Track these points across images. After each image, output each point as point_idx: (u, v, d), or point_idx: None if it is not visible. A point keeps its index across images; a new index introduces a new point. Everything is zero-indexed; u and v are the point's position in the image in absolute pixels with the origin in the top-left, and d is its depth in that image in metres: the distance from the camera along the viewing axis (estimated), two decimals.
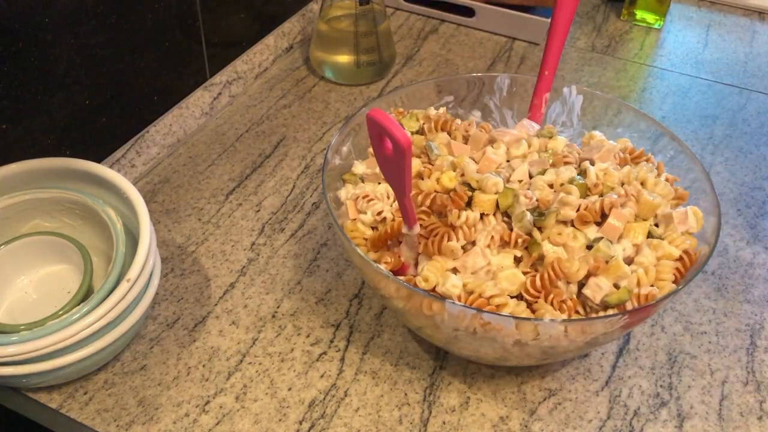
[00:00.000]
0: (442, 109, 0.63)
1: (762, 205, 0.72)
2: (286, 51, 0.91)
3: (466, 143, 0.60)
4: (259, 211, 0.69)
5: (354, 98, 0.84)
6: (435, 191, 0.53)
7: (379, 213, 0.53)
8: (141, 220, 0.53)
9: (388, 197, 0.55)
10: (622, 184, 0.54)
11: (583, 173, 0.54)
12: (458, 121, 0.62)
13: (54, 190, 0.56)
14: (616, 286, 0.49)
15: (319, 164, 0.74)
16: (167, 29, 0.69)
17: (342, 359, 0.56)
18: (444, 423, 0.52)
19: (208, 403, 0.53)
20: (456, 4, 0.97)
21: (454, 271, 0.49)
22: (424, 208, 0.52)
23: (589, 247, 0.50)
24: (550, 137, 0.60)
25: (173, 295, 0.60)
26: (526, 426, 0.52)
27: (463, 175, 0.54)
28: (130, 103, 0.68)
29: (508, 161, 0.57)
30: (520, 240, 0.50)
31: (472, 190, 0.52)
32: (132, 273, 0.50)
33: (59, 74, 0.59)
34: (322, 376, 0.55)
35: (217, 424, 0.51)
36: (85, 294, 0.52)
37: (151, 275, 0.52)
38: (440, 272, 0.49)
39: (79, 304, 0.49)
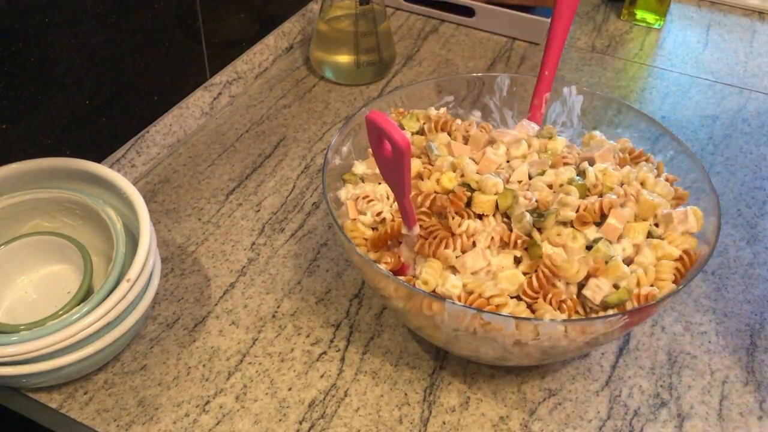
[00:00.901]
0: (442, 109, 0.63)
1: (762, 205, 0.72)
2: (286, 51, 0.91)
3: (466, 143, 0.60)
4: (259, 211, 0.69)
5: (354, 98, 0.84)
6: (435, 192, 0.54)
7: (379, 213, 0.53)
8: (141, 220, 0.53)
9: (388, 198, 0.55)
10: (622, 185, 0.54)
11: (582, 174, 0.54)
12: (458, 121, 0.62)
13: (54, 190, 0.56)
14: (616, 287, 0.49)
15: (319, 164, 0.74)
16: (167, 29, 0.69)
17: (342, 359, 0.56)
18: (444, 423, 0.52)
19: (208, 403, 0.53)
20: (456, 4, 0.97)
21: (453, 270, 0.49)
22: (423, 209, 0.52)
23: (588, 248, 0.50)
24: (550, 138, 0.60)
25: (173, 295, 0.60)
26: (526, 426, 0.52)
27: (463, 175, 0.54)
28: (130, 103, 0.68)
29: (507, 162, 0.57)
30: (519, 241, 0.50)
31: (472, 190, 0.52)
32: (132, 273, 0.50)
33: (59, 74, 0.59)
34: (322, 376, 0.55)
35: (217, 424, 0.51)
36: (85, 294, 0.52)
37: (151, 275, 0.52)
38: (439, 273, 0.49)
39: (79, 304, 0.49)
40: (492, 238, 0.50)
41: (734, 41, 0.99)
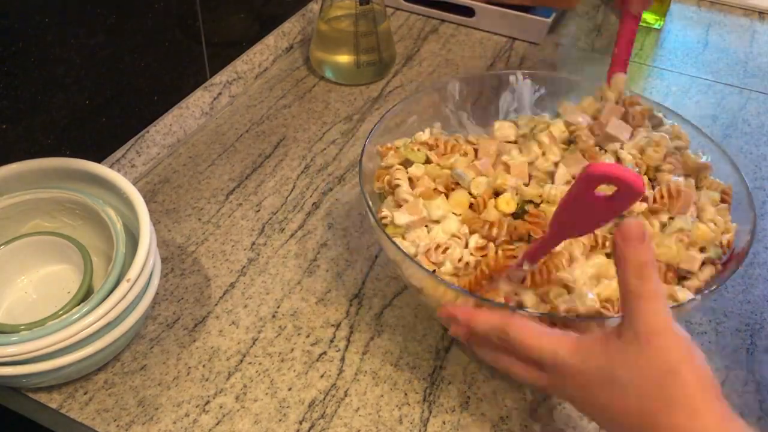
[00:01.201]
0: (427, 131, 0.62)
1: (762, 205, 0.72)
2: (286, 51, 0.91)
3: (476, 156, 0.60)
4: (259, 211, 0.69)
5: (354, 98, 0.84)
6: (504, 215, 0.53)
7: (460, 259, 0.51)
8: (141, 220, 0.53)
9: (459, 238, 0.53)
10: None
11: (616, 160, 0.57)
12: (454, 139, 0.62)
13: (54, 190, 0.56)
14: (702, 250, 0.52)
15: (319, 164, 0.74)
16: (167, 29, 0.69)
17: (342, 359, 0.56)
18: (444, 423, 0.52)
19: (208, 403, 0.53)
20: (456, 4, 0.97)
21: (567, 288, 0.49)
22: (503, 238, 0.52)
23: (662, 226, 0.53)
24: (548, 127, 0.60)
25: (173, 295, 0.60)
26: (526, 426, 0.52)
27: (517, 194, 0.54)
28: (130, 103, 0.68)
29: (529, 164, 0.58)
30: (607, 242, 0.51)
31: (536, 205, 0.53)
32: (132, 273, 0.50)
33: (59, 74, 0.59)
34: (322, 376, 0.55)
35: (217, 424, 0.51)
36: (85, 294, 0.52)
37: (151, 275, 0.52)
38: (567, 296, 0.48)
39: (79, 304, 0.49)
40: (583, 243, 0.51)
41: (734, 41, 0.99)
